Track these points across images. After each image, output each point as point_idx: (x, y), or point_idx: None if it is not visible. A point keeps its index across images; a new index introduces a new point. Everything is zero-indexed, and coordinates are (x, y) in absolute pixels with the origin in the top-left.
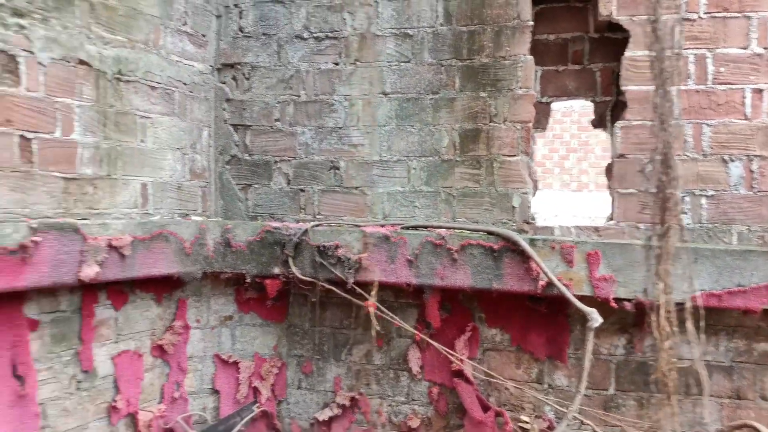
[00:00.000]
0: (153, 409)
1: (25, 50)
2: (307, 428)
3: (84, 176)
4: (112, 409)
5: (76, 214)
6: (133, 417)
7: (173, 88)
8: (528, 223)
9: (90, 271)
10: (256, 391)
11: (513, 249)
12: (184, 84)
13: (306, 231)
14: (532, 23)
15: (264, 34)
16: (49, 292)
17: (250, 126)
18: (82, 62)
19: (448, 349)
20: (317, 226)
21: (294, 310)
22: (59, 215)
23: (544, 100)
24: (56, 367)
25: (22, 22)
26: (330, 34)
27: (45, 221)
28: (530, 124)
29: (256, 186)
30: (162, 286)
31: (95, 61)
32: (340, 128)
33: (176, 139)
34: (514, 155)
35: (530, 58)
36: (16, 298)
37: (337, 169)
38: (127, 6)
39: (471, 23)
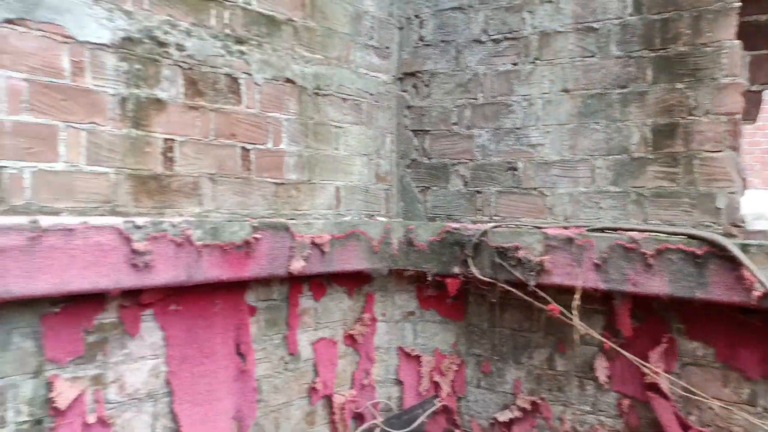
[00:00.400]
0: (345, 394)
1: (244, 73)
2: (486, 427)
3: (290, 181)
4: (312, 390)
5: (284, 215)
6: (329, 399)
7: (361, 99)
8: (737, 226)
9: (298, 265)
10: (436, 385)
11: (720, 255)
12: (370, 94)
13: (485, 232)
14: (738, 4)
15: (443, 41)
16: (265, 282)
17: (429, 131)
18: (288, 80)
19: (641, 361)
20: (496, 227)
21: (472, 309)
22: (271, 216)
23: (754, 88)
24: (268, 349)
25: (243, 48)
26: (508, 35)
27: (263, 221)
28: (738, 116)
29: (434, 188)
30: (353, 281)
31: (298, 78)
32: (518, 129)
33: (364, 145)
34: (719, 151)
35: (737, 42)
36: (241, 286)
37: (515, 170)
38: (323, 27)
39: (665, 10)
